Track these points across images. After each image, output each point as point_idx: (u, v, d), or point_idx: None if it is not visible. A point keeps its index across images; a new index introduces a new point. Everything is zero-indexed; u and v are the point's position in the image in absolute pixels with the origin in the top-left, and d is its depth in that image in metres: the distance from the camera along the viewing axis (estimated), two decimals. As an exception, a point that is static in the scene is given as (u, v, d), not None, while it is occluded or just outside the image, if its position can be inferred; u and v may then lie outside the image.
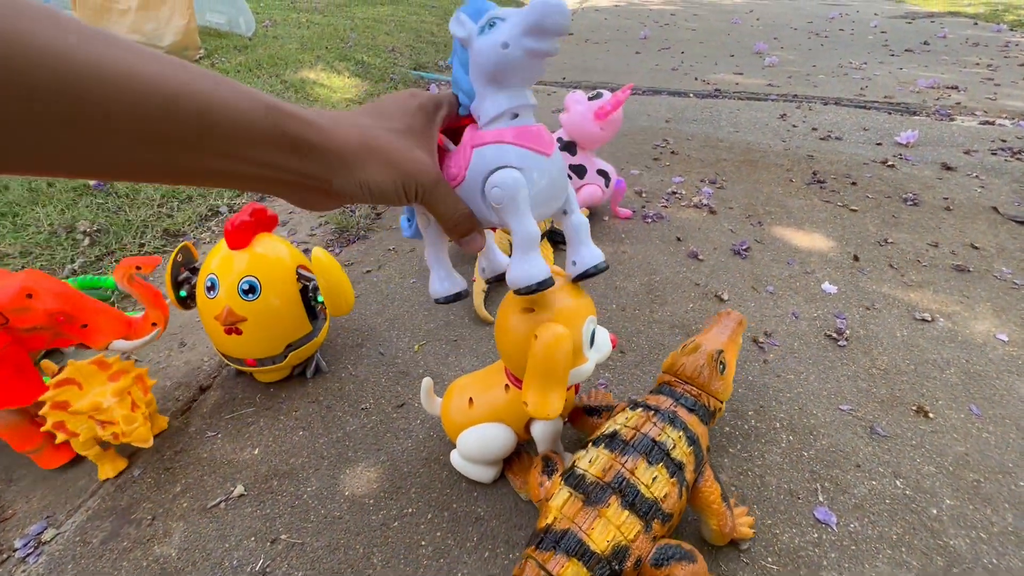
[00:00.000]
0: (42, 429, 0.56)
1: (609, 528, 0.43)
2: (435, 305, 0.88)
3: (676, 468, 0.47)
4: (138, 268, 0.59)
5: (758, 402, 0.70)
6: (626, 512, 0.44)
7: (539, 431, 0.55)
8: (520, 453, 0.61)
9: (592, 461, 0.48)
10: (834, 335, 0.82)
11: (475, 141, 0.36)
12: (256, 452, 0.63)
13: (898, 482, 0.60)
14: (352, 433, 0.66)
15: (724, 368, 0.57)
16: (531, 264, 0.38)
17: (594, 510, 0.44)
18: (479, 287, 0.87)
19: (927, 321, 0.85)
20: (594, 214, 1.16)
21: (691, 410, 0.53)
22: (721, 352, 0.57)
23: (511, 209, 0.36)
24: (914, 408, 0.69)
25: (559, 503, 0.46)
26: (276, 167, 0.26)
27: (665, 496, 0.46)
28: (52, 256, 0.95)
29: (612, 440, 0.49)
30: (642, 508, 0.44)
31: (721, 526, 0.50)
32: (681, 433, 0.50)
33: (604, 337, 0.52)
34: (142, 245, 1.03)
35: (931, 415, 0.68)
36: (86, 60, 0.19)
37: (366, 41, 2.51)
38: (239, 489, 0.59)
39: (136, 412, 0.56)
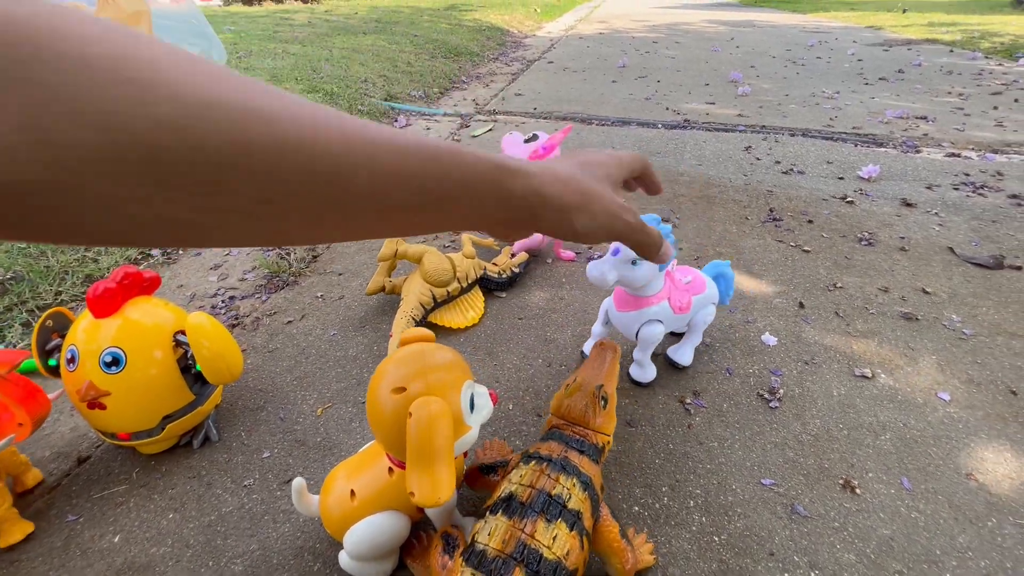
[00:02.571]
0: None
1: None
2: (350, 362, 0.84)
3: (575, 519, 0.47)
4: None
5: (675, 475, 0.65)
6: None
7: (433, 511, 0.51)
8: (419, 534, 0.55)
9: (491, 533, 0.45)
10: (766, 395, 0.77)
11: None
12: (116, 540, 0.58)
13: (813, 574, 0.54)
14: (227, 515, 0.60)
15: (606, 402, 0.57)
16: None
17: None
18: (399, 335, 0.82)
19: (867, 378, 0.80)
20: (535, 257, 1.13)
21: (581, 452, 0.53)
22: (601, 387, 0.57)
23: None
24: (841, 482, 0.64)
25: None
26: (494, 219, 0.30)
27: (567, 553, 0.45)
28: (-43, 307, 0.91)
29: (508, 504, 0.47)
30: (547, 573, 0.42)
31: (624, 563, 0.50)
32: (574, 479, 0.49)
33: (484, 397, 0.50)
34: (59, 294, 0.98)
35: (858, 490, 0.63)
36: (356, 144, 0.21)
37: (338, 72, 2.51)
38: (85, 587, 0.53)
39: None
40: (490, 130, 2.05)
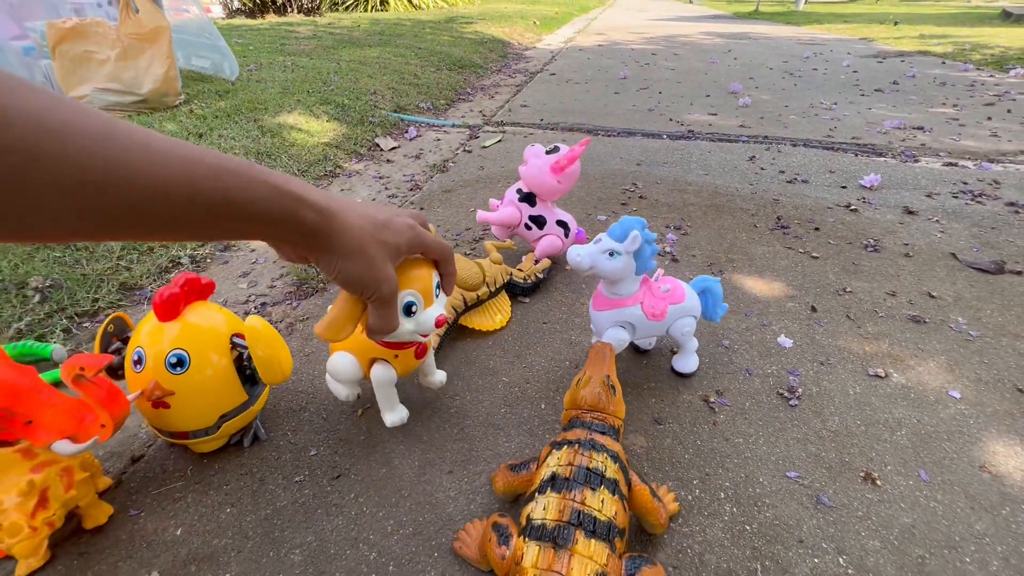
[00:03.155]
0: None
1: (584, 562, 0.46)
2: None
3: (614, 486, 0.52)
4: (82, 369, 0.56)
5: (704, 469, 0.69)
6: (592, 541, 0.48)
7: (374, 373, 0.67)
8: (466, 526, 0.59)
9: (546, 507, 0.50)
10: (786, 393, 0.81)
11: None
12: (179, 532, 0.61)
13: (841, 559, 0.58)
14: (282, 509, 0.63)
15: (615, 390, 0.63)
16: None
17: (566, 551, 0.47)
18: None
19: (880, 377, 0.84)
20: (554, 264, 1.16)
21: (603, 433, 0.59)
22: (608, 376, 0.63)
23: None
24: (862, 474, 0.68)
25: (532, 559, 0.47)
26: (280, 238, 0.33)
27: (615, 514, 0.50)
28: None
29: (554, 482, 0.52)
30: (603, 533, 0.48)
31: (658, 518, 0.57)
32: (604, 454, 0.55)
33: (429, 314, 0.57)
34: (95, 301, 1.01)
35: (879, 482, 0.67)
36: (117, 159, 0.23)
37: (348, 84, 2.56)
38: (154, 576, 0.56)
39: (36, 517, 0.54)
40: (499, 141, 2.09)
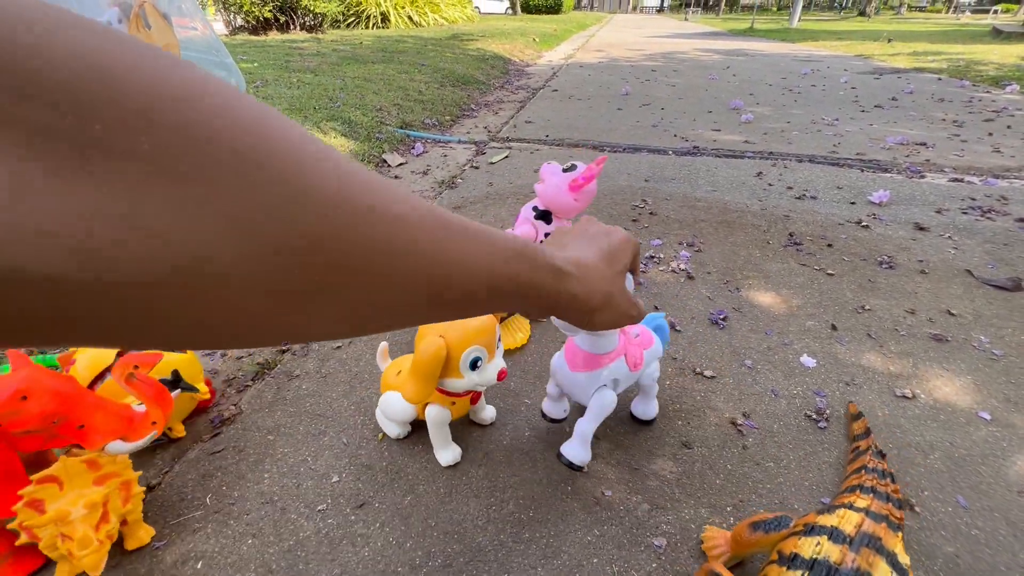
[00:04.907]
0: (8, 527, 0.52)
1: None
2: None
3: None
4: (136, 367, 0.56)
5: (737, 495, 0.67)
6: None
7: (429, 414, 0.68)
8: None
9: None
10: (814, 415, 0.79)
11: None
12: (199, 566, 0.58)
13: (886, 591, 0.56)
14: (305, 540, 0.61)
15: None
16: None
17: None
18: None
19: (908, 398, 0.83)
20: (571, 282, 1.15)
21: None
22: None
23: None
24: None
25: None
26: (540, 310, 0.32)
27: None
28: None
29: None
30: None
31: None
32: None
33: (492, 368, 0.63)
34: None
35: (917, 508, 0.65)
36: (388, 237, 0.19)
37: (354, 100, 2.58)
38: (175, 614, 0.54)
39: (100, 530, 0.53)
40: (506, 157, 2.10)
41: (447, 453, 0.71)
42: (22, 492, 0.52)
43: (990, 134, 2.34)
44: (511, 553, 0.60)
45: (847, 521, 0.49)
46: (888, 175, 1.86)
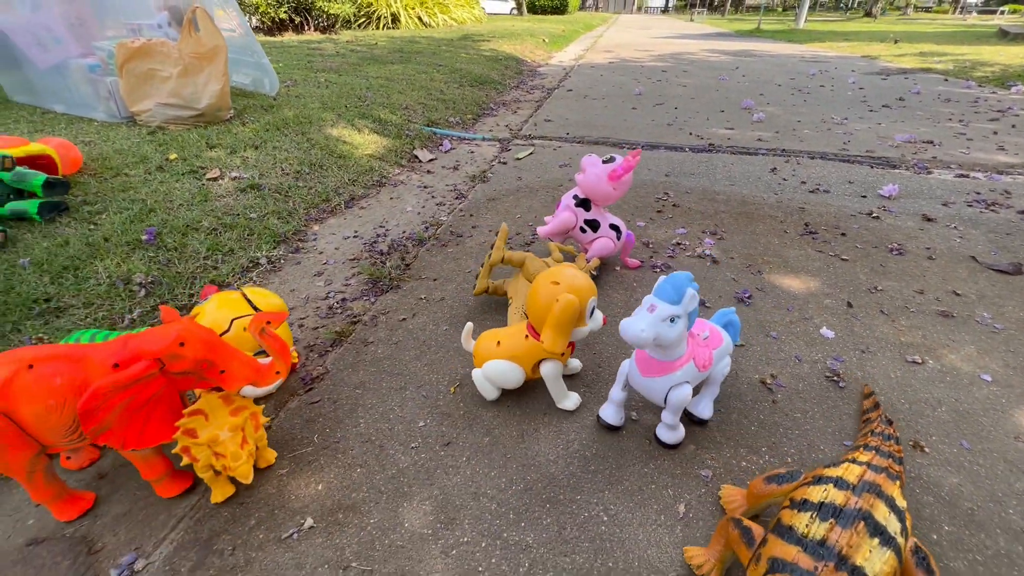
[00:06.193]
0: (173, 451, 0.64)
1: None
2: (466, 352, 0.96)
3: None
4: (268, 323, 0.66)
5: (769, 439, 0.78)
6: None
7: (547, 370, 0.79)
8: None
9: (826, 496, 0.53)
10: (834, 377, 0.90)
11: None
12: (320, 488, 0.69)
13: (900, 511, 0.66)
14: (405, 470, 0.72)
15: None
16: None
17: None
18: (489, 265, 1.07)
19: (918, 363, 0.93)
20: (606, 265, 1.26)
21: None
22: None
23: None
24: (911, 443, 0.77)
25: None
26: None
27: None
28: (112, 307, 1.03)
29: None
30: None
31: None
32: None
33: (598, 316, 0.78)
34: (191, 295, 1.11)
35: (927, 449, 0.76)
36: None
37: (381, 99, 2.69)
38: (309, 522, 0.65)
39: (244, 449, 0.64)
40: (531, 153, 2.21)
41: (569, 400, 0.83)
42: (179, 423, 0.63)
43: (995, 132, 2.43)
44: (580, 480, 0.71)
45: (851, 472, 0.56)
46: (897, 171, 1.96)
